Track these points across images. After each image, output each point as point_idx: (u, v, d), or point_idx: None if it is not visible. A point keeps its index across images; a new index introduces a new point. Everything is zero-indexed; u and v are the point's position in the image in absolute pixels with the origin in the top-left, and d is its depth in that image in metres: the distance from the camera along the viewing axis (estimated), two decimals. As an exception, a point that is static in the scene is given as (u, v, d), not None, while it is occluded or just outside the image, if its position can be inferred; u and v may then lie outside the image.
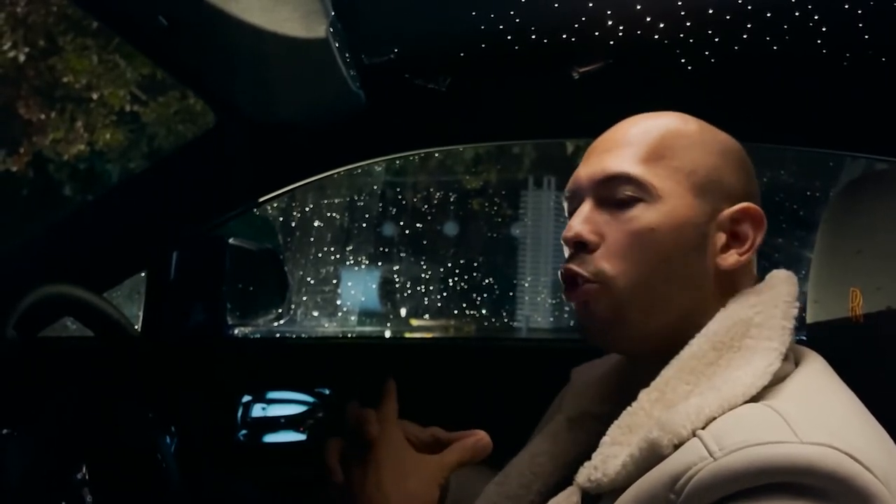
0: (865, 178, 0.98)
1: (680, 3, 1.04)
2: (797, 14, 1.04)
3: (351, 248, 5.50)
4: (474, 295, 5.76)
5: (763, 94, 1.28)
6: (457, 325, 5.73)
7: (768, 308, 0.73)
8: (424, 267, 5.78)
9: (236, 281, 1.44)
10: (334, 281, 5.46)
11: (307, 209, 5.27)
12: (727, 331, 0.72)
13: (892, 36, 1.09)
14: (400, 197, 5.84)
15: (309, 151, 1.40)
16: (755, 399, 0.66)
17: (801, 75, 1.24)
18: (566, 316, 5.82)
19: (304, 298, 5.27)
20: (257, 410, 1.44)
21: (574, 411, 0.87)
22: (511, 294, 5.95)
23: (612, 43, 1.14)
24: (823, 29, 1.07)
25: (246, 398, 1.44)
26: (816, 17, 1.04)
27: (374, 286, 5.69)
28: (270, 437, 1.43)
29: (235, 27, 0.95)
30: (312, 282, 5.34)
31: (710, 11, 1.05)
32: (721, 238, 0.77)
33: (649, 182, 0.76)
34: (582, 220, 0.77)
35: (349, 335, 4.66)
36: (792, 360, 0.73)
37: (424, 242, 5.85)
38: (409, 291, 5.73)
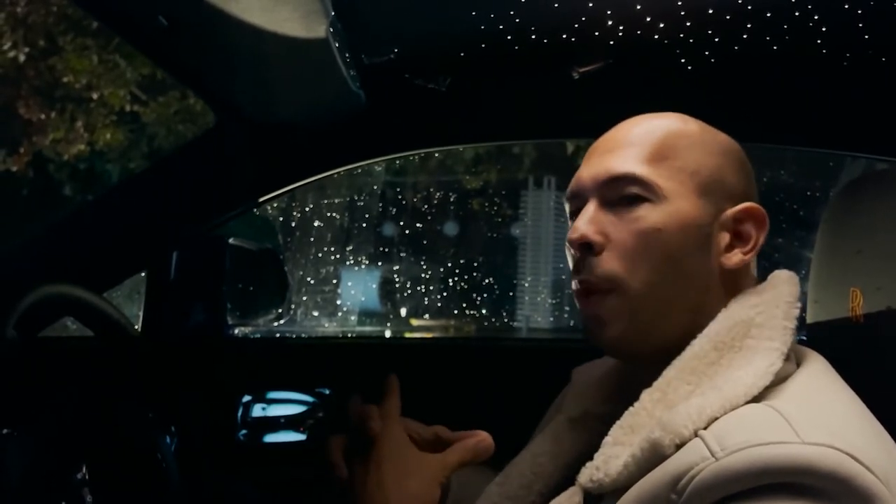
0: (865, 178, 0.98)
1: (680, 3, 1.04)
2: (797, 14, 1.04)
3: (351, 248, 5.50)
4: (474, 295, 5.77)
5: (763, 94, 1.28)
6: (457, 325, 5.74)
7: (770, 308, 0.73)
8: (424, 267, 5.79)
9: (236, 281, 1.44)
10: (334, 281, 5.46)
11: (307, 209, 5.27)
12: (728, 331, 0.72)
13: (892, 36, 1.09)
14: (400, 197, 5.85)
15: (309, 151, 1.40)
16: (757, 399, 0.66)
17: (801, 75, 1.24)
18: (566, 316, 5.83)
19: (304, 298, 5.27)
20: (257, 410, 1.44)
21: (575, 411, 0.87)
22: (511, 294, 5.95)
23: (612, 43, 1.14)
24: (823, 29, 1.07)
25: (246, 398, 1.44)
26: (816, 17, 1.04)
27: (374, 286, 5.70)
28: (270, 437, 1.43)
29: (235, 27, 0.95)
30: (312, 282, 5.35)
31: (710, 11, 1.05)
32: (725, 238, 0.77)
33: (655, 182, 0.76)
34: (587, 221, 0.77)
35: (349, 335, 4.66)
36: (793, 360, 0.73)
37: (424, 242, 5.85)
38: (410, 291, 5.74)
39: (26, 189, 5.66)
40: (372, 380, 0.82)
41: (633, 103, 0.87)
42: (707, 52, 1.17)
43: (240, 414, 1.44)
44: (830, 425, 0.63)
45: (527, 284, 5.97)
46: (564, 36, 1.14)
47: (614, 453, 0.69)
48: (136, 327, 1.39)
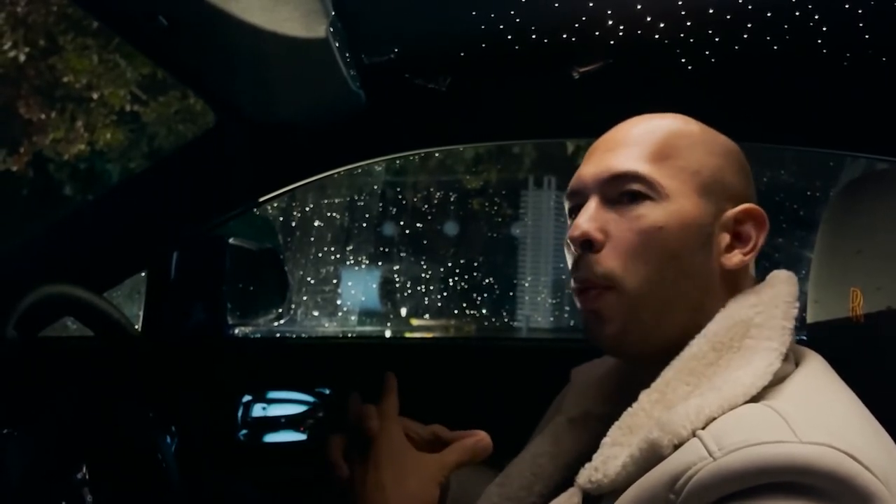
0: (865, 178, 0.98)
1: (680, 3, 1.04)
2: (797, 14, 1.04)
3: (351, 247, 5.50)
4: (474, 295, 5.77)
5: (763, 94, 1.28)
6: (457, 324, 5.74)
7: (769, 308, 0.73)
8: (425, 267, 5.79)
9: (236, 281, 1.44)
10: (334, 281, 5.46)
11: (307, 209, 5.27)
12: (727, 331, 0.72)
13: (892, 36, 1.09)
14: (400, 197, 5.85)
15: (309, 151, 1.40)
16: (755, 399, 0.66)
17: (801, 75, 1.24)
18: (566, 316, 5.83)
19: (305, 298, 5.27)
20: (257, 410, 1.44)
21: (575, 412, 0.87)
22: (511, 294, 5.95)
23: (612, 43, 1.14)
24: (823, 29, 1.07)
25: (246, 398, 1.45)
26: (816, 17, 1.04)
27: (374, 286, 5.70)
28: (270, 437, 1.43)
29: (235, 27, 0.95)
30: (312, 282, 5.35)
31: (710, 11, 1.05)
32: (725, 238, 0.77)
33: (657, 181, 0.76)
34: (588, 218, 0.77)
35: (349, 335, 4.66)
36: (792, 360, 0.73)
37: (424, 242, 5.85)
38: (410, 291, 5.74)
39: (26, 189, 5.66)
40: (372, 380, 0.82)
41: (633, 103, 0.87)
42: (707, 52, 1.17)
43: (240, 414, 1.44)
44: (829, 425, 0.63)
45: (527, 284, 5.97)
46: (564, 36, 1.14)
47: (613, 454, 0.69)
48: (137, 327, 1.39)
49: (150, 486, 0.99)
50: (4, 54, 5.04)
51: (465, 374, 1.46)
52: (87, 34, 5.14)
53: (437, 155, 5.47)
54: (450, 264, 5.73)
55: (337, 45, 1.03)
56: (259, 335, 1.91)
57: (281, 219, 5.15)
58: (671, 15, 1.06)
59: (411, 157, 5.12)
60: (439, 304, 5.72)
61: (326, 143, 1.39)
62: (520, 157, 5.93)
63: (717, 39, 1.13)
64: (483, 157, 5.72)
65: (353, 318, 5.54)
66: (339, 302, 5.52)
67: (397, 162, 5.34)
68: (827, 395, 0.70)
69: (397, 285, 5.73)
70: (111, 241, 1.42)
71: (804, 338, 0.96)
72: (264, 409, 1.44)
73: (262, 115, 1.32)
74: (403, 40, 1.19)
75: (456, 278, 5.73)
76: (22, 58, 5.06)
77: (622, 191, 0.77)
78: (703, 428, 0.64)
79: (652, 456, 0.65)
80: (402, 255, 5.79)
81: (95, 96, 5.27)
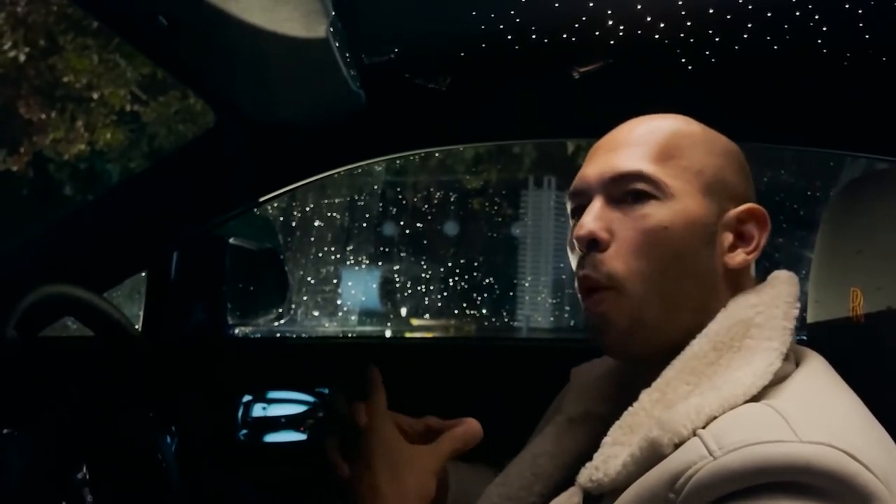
0: (865, 178, 0.98)
1: (680, 3, 1.04)
2: (797, 14, 1.04)
3: (351, 247, 5.50)
4: (474, 295, 5.77)
5: (763, 94, 1.28)
6: (457, 324, 5.74)
7: (769, 308, 0.73)
8: (425, 267, 5.79)
9: (236, 281, 1.44)
10: (334, 281, 5.47)
11: (307, 209, 5.27)
12: (728, 331, 0.72)
13: (892, 36, 1.09)
14: (400, 197, 5.85)
15: (309, 151, 1.40)
16: (756, 399, 0.66)
17: (801, 75, 1.24)
18: (566, 316, 5.83)
19: (305, 298, 5.27)
20: (257, 410, 1.44)
21: (575, 411, 0.87)
22: (511, 294, 5.96)
23: (612, 43, 1.14)
24: (823, 29, 1.07)
25: (246, 398, 1.44)
26: (816, 17, 1.04)
27: (374, 286, 5.70)
28: (270, 437, 1.43)
29: (235, 27, 0.95)
30: (313, 281, 5.35)
31: (710, 11, 1.05)
32: (728, 238, 0.77)
33: (662, 180, 0.76)
34: (594, 218, 0.77)
35: (349, 335, 4.66)
36: (792, 360, 0.73)
37: (424, 242, 5.85)
38: (410, 291, 5.74)
39: (26, 189, 5.66)
40: (371, 380, 0.82)
41: (634, 103, 0.87)
42: (707, 52, 1.17)
43: (240, 414, 1.44)
44: (829, 424, 0.63)
45: (527, 284, 5.98)
46: (564, 36, 1.14)
47: (613, 453, 0.69)
48: (137, 327, 1.39)
49: (151, 486, 0.99)
50: (4, 54, 5.04)
51: (465, 374, 1.46)
52: (87, 34, 5.14)
53: (437, 155, 5.47)
54: (450, 264, 5.74)
55: (337, 45, 1.03)
56: (259, 335, 1.91)
57: (281, 219, 5.15)
58: (671, 15, 1.06)
59: (411, 157, 5.12)
60: (439, 304, 5.72)
61: (326, 143, 1.39)
62: (520, 157, 5.93)
63: (717, 39, 1.13)
64: (483, 157, 5.72)
65: (353, 318, 5.54)
66: (339, 302, 5.52)
67: (397, 162, 5.34)
68: (827, 395, 0.70)
69: (397, 285, 5.74)
70: (111, 241, 1.42)
71: (804, 338, 0.96)
72: (264, 409, 1.44)
73: (262, 115, 1.32)
74: (403, 40, 1.19)
75: (456, 278, 5.74)
76: (22, 58, 5.07)
77: (627, 190, 0.77)
78: (704, 427, 0.64)
79: (652, 455, 0.65)
80: (402, 255, 5.79)
81: (95, 96, 5.27)
